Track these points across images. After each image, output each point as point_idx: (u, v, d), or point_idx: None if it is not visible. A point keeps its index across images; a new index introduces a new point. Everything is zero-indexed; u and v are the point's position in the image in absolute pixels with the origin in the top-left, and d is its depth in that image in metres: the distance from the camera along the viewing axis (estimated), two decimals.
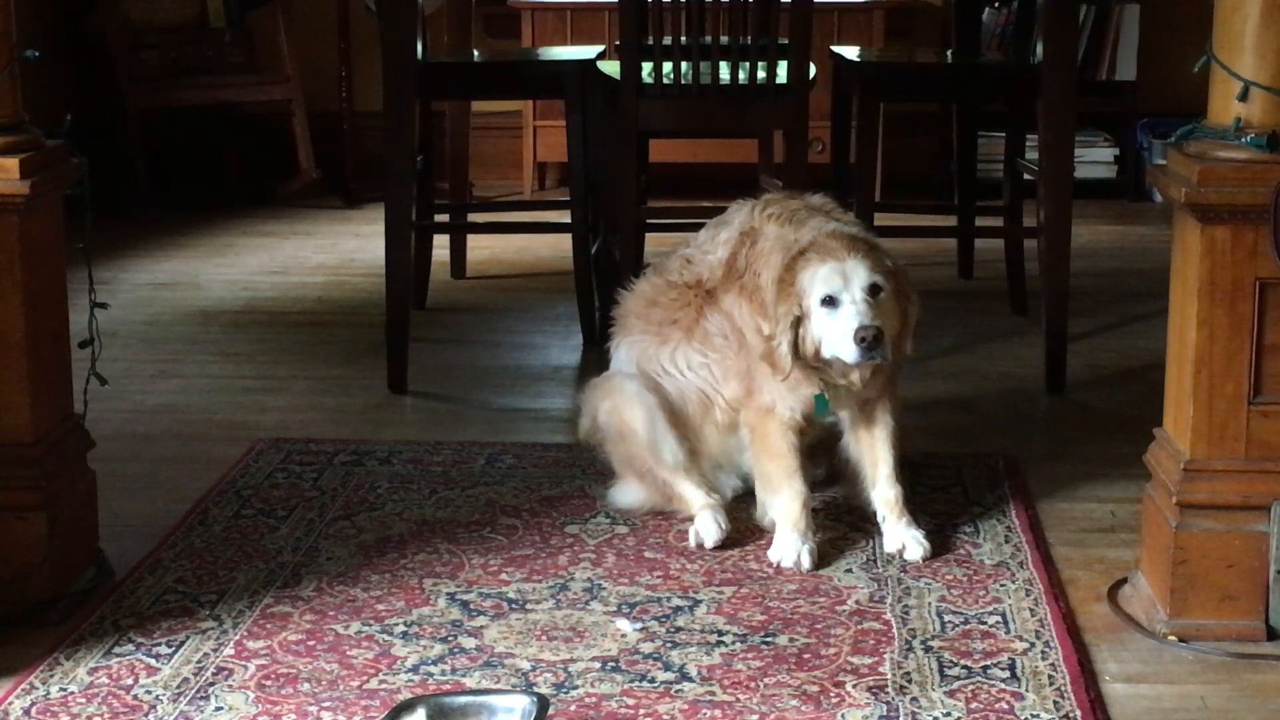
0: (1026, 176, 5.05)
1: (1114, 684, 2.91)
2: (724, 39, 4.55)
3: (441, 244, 5.63)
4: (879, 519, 3.48)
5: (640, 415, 3.56)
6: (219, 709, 2.80)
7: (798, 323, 3.34)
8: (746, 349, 3.49)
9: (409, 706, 2.71)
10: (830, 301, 3.32)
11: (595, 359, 4.33)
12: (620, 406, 3.59)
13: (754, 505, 3.54)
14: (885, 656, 2.97)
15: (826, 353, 3.35)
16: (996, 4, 6.86)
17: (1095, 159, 7.06)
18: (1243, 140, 2.95)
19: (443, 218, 5.61)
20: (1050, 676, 2.90)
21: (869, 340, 3.27)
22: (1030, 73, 4.76)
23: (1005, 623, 3.11)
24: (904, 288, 3.40)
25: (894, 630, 3.08)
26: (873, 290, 3.32)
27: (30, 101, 3.15)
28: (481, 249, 6.01)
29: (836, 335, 3.31)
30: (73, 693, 2.85)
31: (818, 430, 3.54)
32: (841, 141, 5.33)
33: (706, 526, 3.46)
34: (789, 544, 3.37)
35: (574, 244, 4.88)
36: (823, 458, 3.67)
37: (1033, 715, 2.77)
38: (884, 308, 3.33)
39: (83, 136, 3.32)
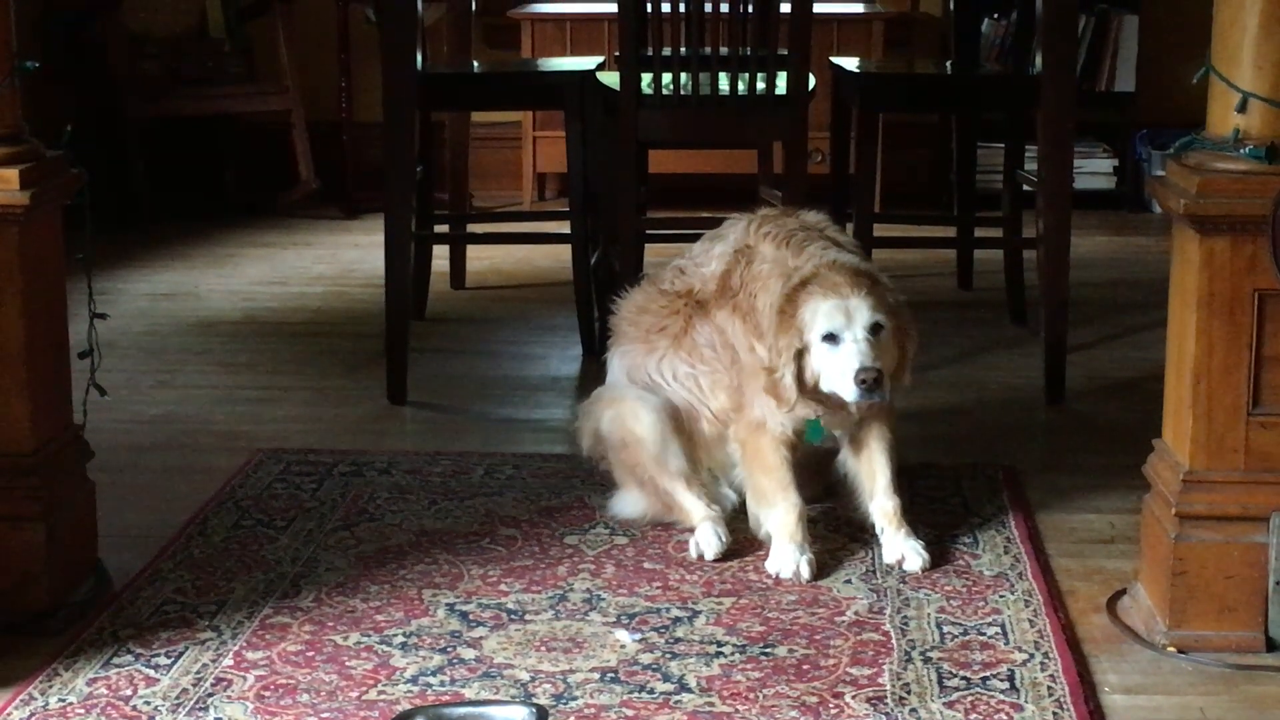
0: (1026, 187, 5.05)
1: (1113, 695, 2.91)
2: (723, 50, 4.55)
3: (441, 254, 5.63)
4: (878, 530, 3.48)
5: (645, 422, 3.56)
6: (218, 719, 2.80)
7: (799, 355, 3.35)
8: (739, 365, 3.50)
9: (408, 718, 2.71)
10: (831, 338, 3.33)
11: (594, 369, 4.33)
12: (624, 415, 3.60)
13: None
14: (884, 667, 2.97)
15: (826, 387, 3.37)
16: (995, 15, 6.87)
17: (1094, 170, 7.06)
18: (1241, 151, 2.95)
19: (442, 228, 5.61)
20: (1049, 688, 2.90)
21: (869, 383, 3.29)
22: (1029, 83, 4.76)
23: (1004, 634, 3.11)
24: (904, 324, 3.42)
25: (893, 641, 3.08)
26: (874, 329, 3.33)
27: (30, 112, 3.15)
28: (481, 259, 6.01)
29: (837, 373, 3.33)
30: (71, 703, 2.85)
31: (809, 445, 3.54)
32: (841, 152, 5.34)
33: (707, 538, 3.46)
34: (787, 555, 3.37)
35: (573, 254, 4.89)
36: (816, 478, 3.65)
37: None
38: (884, 346, 3.35)
39: (82, 147, 3.32)
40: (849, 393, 3.32)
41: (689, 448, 3.59)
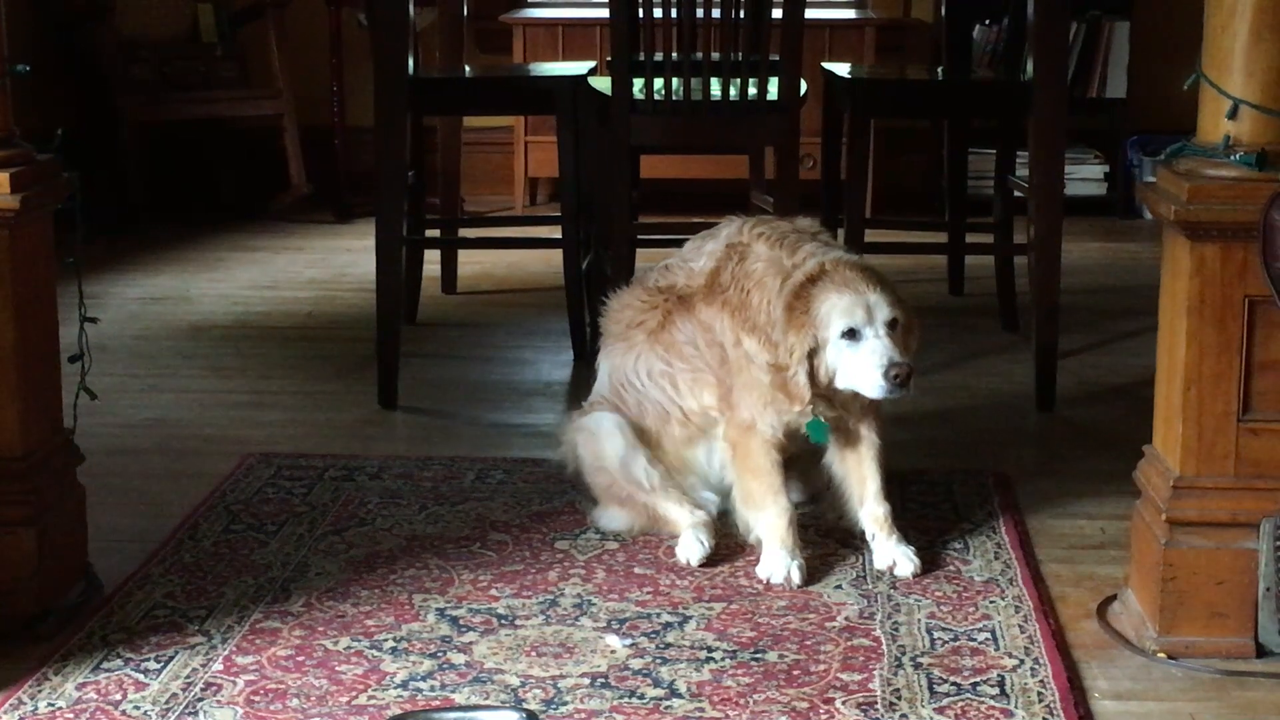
0: (1017, 193, 5.05)
1: (1103, 701, 2.91)
2: (715, 55, 4.56)
3: (433, 259, 5.64)
4: (868, 536, 3.47)
5: (613, 442, 3.55)
6: None
7: (812, 353, 3.35)
8: (727, 364, 3.49)
9: None
10: (852, 334, 3.31)
11: (586, 374, 4.33)
12: (592, 438, 3.60)
13: None
14: (875, 673, 2.97)
15: (842, 384, 3.35)
16: (987, 21, 6.89)
17: (1085, 176, 7.08)
18: (1232, 158, 2.96)
19: (434, 233, 5.61)
20: (1040, 694, 2.90)
21: (902, 378, 3.28)
22: (1021, 90, 4.77)
23: (995, 639, 3.11)
24: (911, 320, 3.41)
25: (883, 647, 3.08)
26: (892, 324, 3.32)
27: (21, 116, 3.15)
28: (473, 264, 6.01)
29: (860, 369, 3.31)
30: (61, 708, 2.84)
31: (798, 447, 3.53)
32: (832, 158, 5.35)
33: (689, 546, 3.46)
34: (778, 561, 3.37)
35: (565, 259, 4.88)
36: (802, 482, 3.65)
37: None
38: (897, 341, 3.34)
39: (74, 151, 3.32)
40: (874, 388, 3.30)
41: (659, 455, 3.58)
